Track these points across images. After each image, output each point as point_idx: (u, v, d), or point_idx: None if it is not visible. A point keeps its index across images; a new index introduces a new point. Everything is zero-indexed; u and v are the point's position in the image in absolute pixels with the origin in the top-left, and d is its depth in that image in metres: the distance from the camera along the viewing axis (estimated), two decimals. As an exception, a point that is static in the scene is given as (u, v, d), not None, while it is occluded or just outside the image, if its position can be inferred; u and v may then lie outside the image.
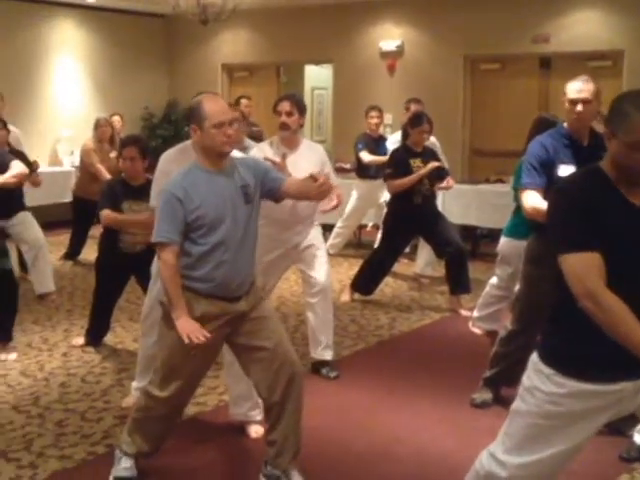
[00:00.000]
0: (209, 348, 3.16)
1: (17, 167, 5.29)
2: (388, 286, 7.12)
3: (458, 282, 6.30)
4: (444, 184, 6.34)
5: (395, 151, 6.52)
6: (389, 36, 10.25)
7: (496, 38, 9.45)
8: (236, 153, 3.60)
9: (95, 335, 5.35)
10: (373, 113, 7.95)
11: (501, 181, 8.19)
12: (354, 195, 8.00)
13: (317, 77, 12.45)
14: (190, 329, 3.02)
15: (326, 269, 4.79)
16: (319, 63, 11.94)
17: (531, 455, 2.41)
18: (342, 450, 3.83)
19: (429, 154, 6.23)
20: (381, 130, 8.20)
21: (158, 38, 12.04)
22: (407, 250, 7.54)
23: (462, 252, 6.23)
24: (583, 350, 2.32)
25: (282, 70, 11.65)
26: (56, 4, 10.64)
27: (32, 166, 6.59)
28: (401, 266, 7.80)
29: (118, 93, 11.17)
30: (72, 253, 8.04)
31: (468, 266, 6.33)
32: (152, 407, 3.33)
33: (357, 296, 6.61)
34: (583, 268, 2.23)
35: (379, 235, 7.32)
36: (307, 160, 4.52)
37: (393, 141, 7.39)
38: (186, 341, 2.99)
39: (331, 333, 4.87)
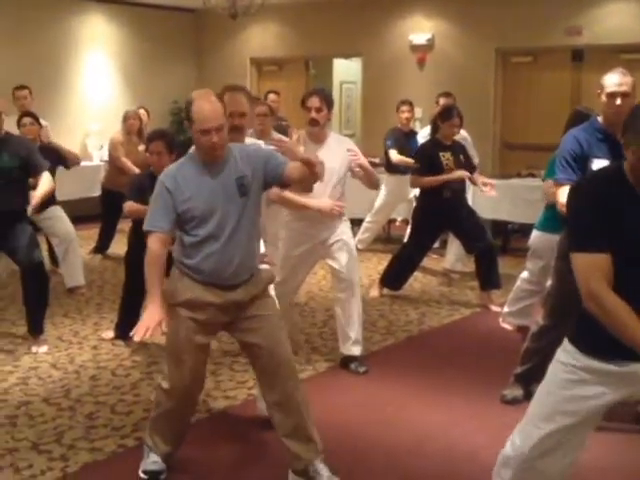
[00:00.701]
0: (205, 336, 3.24)
1: (45, 183, 5.08)
2: (417, 281, 7.07)
3: (488, 278, 6.25)
4: (488, 181, 6.23)
5: (423, 145, 6.49)
6: (419, 29, 10.17)
7: (528, 31, 9.34)
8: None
9: (125, 329, 5.32)
10: (404, 107, 7.90)
11: (532, 175, 8.09)
12: (383, 190, 7.95)
13: (346, 71, 12.39)
14: (147, 322, 3.04)
15: (354, 264, 4.77)
16: (348, 57, 11.88)
17: (539, 429, 2.51)
18: (371, 446, 3.80)
19: (459, 148, 6.19)
20: (412, 124, 8.13)
21: (187, 32, 12.07)
22: (437, 245, 7.50)
23: (492, 248, 6.18)
24: (597, 332, 2.34)
25: (311, 64, 11.62)
26: (87, -1, 10.71)
27: (67, 162, 6.66)
28: (431, 261, 7.75)
29: (147, 87, 11.21)
30: (101, 247, 8.08)
31: (498, 262, 6.27)
32: (161, 402, 3.36)
33: (386, 291, 6.58)
34: (589, 269, 2.28)
35: (409, 230, 7.28)
36: (334, 153, 4.53)
37: (423, 135, 7.36)
38: (132, 333, 3.05)
39: (359, 328, 4.83)
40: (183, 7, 11.57)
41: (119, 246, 8.01)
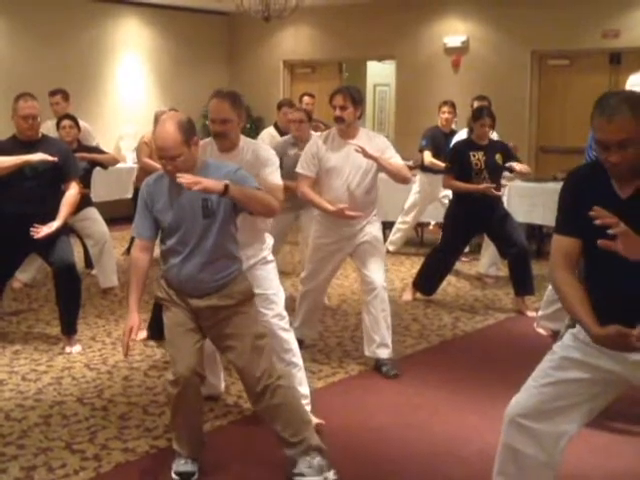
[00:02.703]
0: (191, 321, 3.34)
1: (71, 194, 5.08)
2: (451, 285, 7.01)
3: (522, 283, 6.17)
4: (517, 168, 6.14)
5: (455, 145, 6.43)
6: (454, 32, 10.10)
7: (564, 33, 9.24)
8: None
9: (158, 328, 5.31)
10: (445, 108, 7.84)
11: (555, 179, 7.98)
12: (414, 189, 7.89)
13: (379, 73, 12.36)
14: (124, 329, 3.31)
15: (380, 267, 4.72)
16: (382, 59, 11.85)
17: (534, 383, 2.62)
18: (404, 450, 3.76)
19: (494, 148, 6.08)
20: (453, 126, 7.96)
21: (221, 36, 12.11)
22: (470, 249, 7.43)
23: (526, 253, 6.09)
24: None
25: (344, 67, 11.60)
26: (121, 2, 10.80)
27: (104, 164, 6.75)
28: (465, 265, 7.69)
29: (180, 90, 11.26)
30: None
31: (531, 267, 6.18)
32: (170, 395, 3.36)
33: (419, 295, 6.52)
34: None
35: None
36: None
37: (458, 139, 7.23)
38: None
39: (386, 332, 4.76)
40: (216, 10, 11.61)
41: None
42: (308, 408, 3.83)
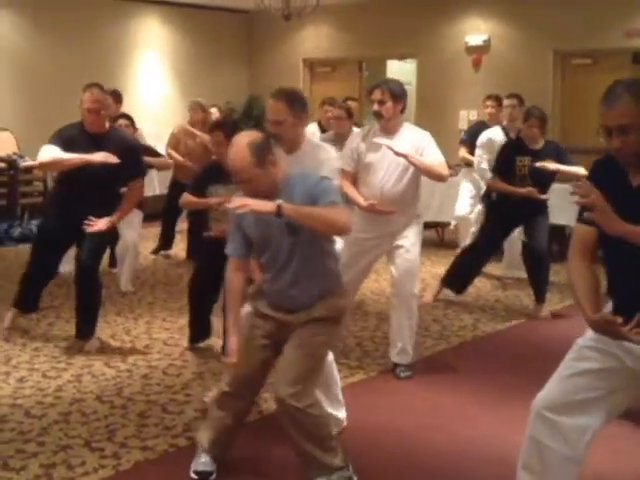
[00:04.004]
0: (266, 339, 3.28)
1: (133, 193, 5.04)
2: (472, 286, 6.91)
3: (534, 289, 6.12)
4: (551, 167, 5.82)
5: (504, 146, 6.34)
6: (475, 30, 10.05)
7: (587, 32, 9.17)
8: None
9: (196, 337, 5.15)
10: (488, 102, 7.69)
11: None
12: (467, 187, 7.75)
13: (400, 72, 12.28)
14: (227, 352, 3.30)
15: (411, 274, 4.63)
16: (402, 58, 11.81)
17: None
18: (425, 451, 3.74)
19: (544, 153, 5.80)
20: (501, 119, 7.59)
21: (241, 34, 12.12)
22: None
23: (540, 261, 5.98)
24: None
25: (364, 65, 11.57)
26: (142, 1, 10.82)
27: (157, 167, 6.92)
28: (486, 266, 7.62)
29: (200, 88, 11.26)
30: (164, 245, 8.06)
31: (546, 275, 6.09)
32: (217, 401, 3.36)
33: (441, 296, 6.47)
34: (574, 238, 2.61)
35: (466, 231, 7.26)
36: (403, 146, 4.46)
37: (488, 135, 7.13)
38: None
39: (408, 339, 4.72)
40: (237, 8, 11.62)
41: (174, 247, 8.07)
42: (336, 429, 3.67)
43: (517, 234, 6.42)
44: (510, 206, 5.93)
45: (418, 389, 4.55)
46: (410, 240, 4.63)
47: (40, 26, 9.88)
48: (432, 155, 4.52)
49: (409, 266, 4.63)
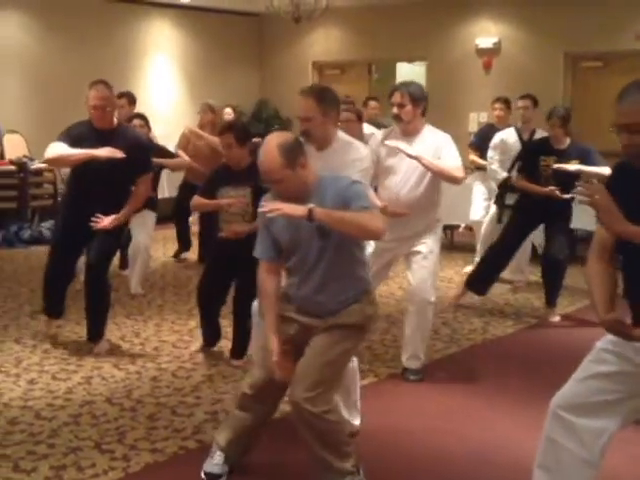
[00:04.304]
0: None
1: (140, 190, 4.99)
2: (481, 289, 6.94)
3: (546, 292, 6.08)
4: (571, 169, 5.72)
5: (530, 145, 6.32)
6: (486, 33, 10.03)
7: (598, 35, 9.13)
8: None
9: (209, 340, 5.13)
10: (496, 105, 7.66)
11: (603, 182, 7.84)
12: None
13: (409, 75, 12.26)
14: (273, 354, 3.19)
15: (427, 282, 4.58)
16: (412, 61, 11.80)
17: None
18: (436, 455, 3.72)
19: (570, 154, 5.75)
20: (510, 120, 7.59)
21: (250, 37, 12.14)
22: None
23: (554, 265, 5.94)
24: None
25: (374, 68, 11.57)
26: (152, 4, 10.86)
27: (172, 169, 6.95)
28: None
29: (210, 91, 11.27)
30: (184, 247, 8.02)
31: (559, 280, 6.05)
32: (238, 402, 3.36)
33: (465, 299, 6.44)
34: (594, 239, 2.65)
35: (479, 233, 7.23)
36: (423, 148, 4.45)
37: (501, 136, 7.09)
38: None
39: (420, 345, 4.70)
40: (247, 12, 11.64)
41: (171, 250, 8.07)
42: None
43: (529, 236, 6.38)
44: (533, 205, 5.89)
45: (428, 392, 4.53)
46: (428, 246, 4.58)
47: (51, 29, 9.92)
48: (448, 157, 4.48)
49: (425, 273, 4.58)
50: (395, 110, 4.47)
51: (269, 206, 2.97)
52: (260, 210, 3.02)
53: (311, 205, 2.94)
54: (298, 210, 2.94)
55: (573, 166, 5.72)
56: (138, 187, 4.98)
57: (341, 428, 3.25)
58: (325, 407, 3.10)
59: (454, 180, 4.54)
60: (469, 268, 7.39)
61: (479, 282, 6.23)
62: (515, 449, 3.75)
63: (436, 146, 4.48)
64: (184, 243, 8.00)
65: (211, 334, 5.08)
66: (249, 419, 3.36)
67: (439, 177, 4.51)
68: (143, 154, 4.99)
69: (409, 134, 4.52)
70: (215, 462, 3.38)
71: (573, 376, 2.68)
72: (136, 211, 5.38)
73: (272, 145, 3.03)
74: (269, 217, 3.06)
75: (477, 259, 7.59)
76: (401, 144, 4.44)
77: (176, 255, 8.03)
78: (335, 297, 3.16)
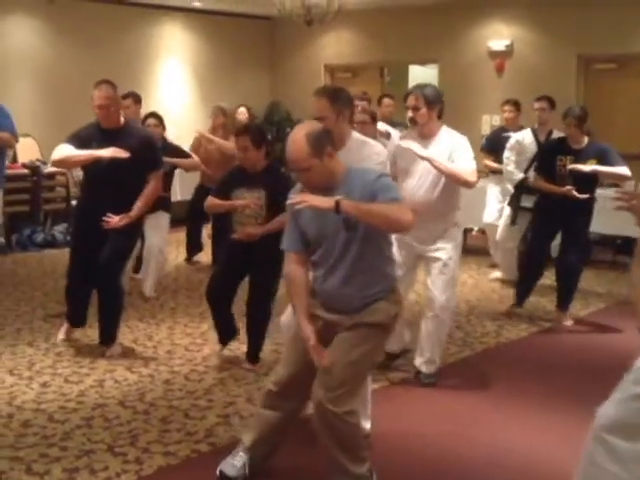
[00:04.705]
0: (297, 349, 3.24)
1: (149, 189, 4.96)
2: (495, 293, 6.93)
3: (558, 296, 6.04)
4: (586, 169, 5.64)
5: (545, 144, 6.33)
6: (498, 35, 10.00)
7: (611, 37, 9.08)
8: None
9: (223, 338, 5.09)
10: (506, 107, 7.64)
11: (616, 185, 7.80)
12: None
13: (421, 77, 12.22)
14: (308, 345, 3.17)
15: (447, 290, 4.55)
16: (424, 63, 11.77)
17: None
18: (447, 458, 3.70)
19: (587, 153, 5.71)
20: (521, 122, 7.57)
21: (262, 40, 12.15)
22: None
23: (569, 270, 5.91)
24: None
25: (386, 71, 11.55)
26: (163, 8, 10.88)
27: (186, 169, 6.97)
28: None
29: (222, 94, 11.28)
30: (193, 249, 8.00)
31: (574, 285, 6.01)
32: (263, 400, 3.35)
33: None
34: (638, 244, 2.57)
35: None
36: (438, 150, 4.44)
37: (517, 137, 7.03)
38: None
39: (436, 349, 4.68)
40: (258, 15, 11.65)
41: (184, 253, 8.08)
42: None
43: None
44: (552, 206, 5.86)
45: (441, 396, 4.51)
46: (448, 253, 4.55)
47: (63, 33, 9.95)
48: (462, 160, 4.45)
49: (445, 280, 4.55)
50: (410, 113, 4.47)
51: (296, 198, 2.99)
52: (288, 202, 3.01)
53: (338, 197, 2.94)
54: (325, 202, 2.94)
55: (588, 167, 5.68)
56: (149, 184, 4.96)
57: (360, 432, 3.24)
58: (347, 408, 3.09)
59: (466, 184, 4.50)
60: (497, 274, 7.35)
61: (521, 295, 6.15)
62: (526, 453, 3.74)
63: (452, 149, 4.46)
64: (194, 245, 7.99)
65: (225, 331, 5.01)
66: (275, 417, 3.34)
67: (451, 179, 4.48)
68: (151, 151, 4.99)
69: (425, 137, 4.51)
70: (234, 463, 3.37)
71: (614, 396, 2.56)
72: (149, 211, 5.38)
73: (300, 134, 3.04)
74: (297, 209, 3.06)
75: (495, 260, 7.60)
76: (414, 145, 4.43)
77: (188, 259, 8.03)
78: (361, 291, 3.12)
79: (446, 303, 4.58)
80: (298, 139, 3.03)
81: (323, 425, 3.11)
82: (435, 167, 4.41)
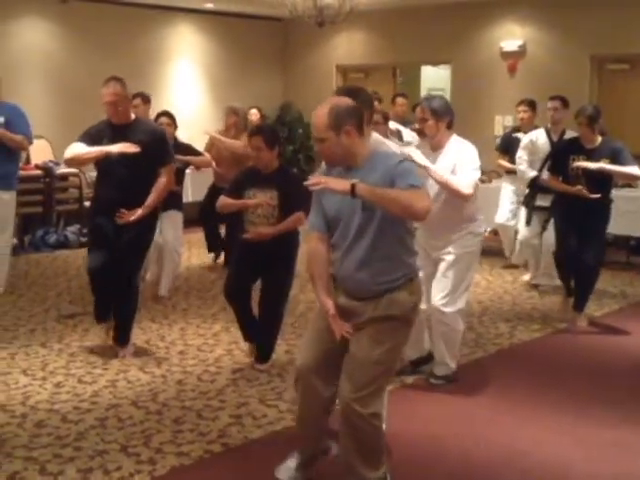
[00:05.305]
0: (322, 323, 3.19)
1: (161, 182, 4.94)
2: (508, 293, 6.90)
3: (577, 297, 5.99)
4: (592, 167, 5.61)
5: (559, 143, 6.32)
6: (511, 36, 9.97)
7: (625, 37, 9.03)
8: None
9: (250, 335, 5.02)
10: (520, 107, 7.59)
11: (629, 186, 7.75)
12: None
13: (434, 78, 12.27)
14: (329, 316, 3.15)
15: (446, 289, 4.50)
16: (436, 64, 11.75)
17: None
18: (460, 460, 3.69)
19: (601, 153, 5.67)
20: (536, 123, 7.50)
21: (274, 41, 12.15)
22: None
23: (587, 272, 5.85)
24: None
25: (398, 71, 11.54)
26: (176, 10, 10.90)
27: (198, 166, 7.03)
28: (521, 273, 7.54)
29: (234, 96, 11.27)
30: (213, 247, 7.94)
31: (590, 287, 5.96)
32: (296, 388, 3.31)
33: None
34: None
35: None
36: (447, 161, 4.44)
37: (530, 137, 6.99)
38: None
39: (444, 351, 4.65)
40: (270, 16, 11.65)
41: (202, 252, 8.08)
42: None
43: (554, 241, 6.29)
44: (568, 206, 5.83)
45: (454, 397, 4.49)
46: (456, 257, 4.50)
47: (75, 35, 9.99)
48: (461, 172, 4.43)
49: (446, 283, 4.52)
50: (417, 125, 4.48)
51: (313, 180, 3.01)
52: (305, 183, 3.03)
53: (354, 180, 2.94)
54: (341, 184, 2.95)
55: (594, 164, 5.64)
56: (161, 177, 4.95)
57: (382, 435, 3.21)
58: (374, 409, 3.07)
59: (459, 195, 4.44)
60: (527, 277, 7.29)
61: (578, 301, 5.99)
62: (540, 455, 3.72)
63: (456, 160, 4.45)
64: (215, 245, 7.91)
65: (250, 327, 4.94)
66: (311, 403, 3.26)
67: (445, 189, 4.44)
68: (161, 145, 4.99)
69: (435, 148, 4.53)
70: (287, 466, 3.38)
71: None
72: (162, 209, 5.37)
73: (327, 105, 3.07)
74: (320, 189, 3.07)
75: (515, 262, 7.58)
76: (414, 151, 4.42)
77: (216, 258, 7.95)
78: (376, 277, 3.09)
79: (440, 301, 4.52)
80: (322, 110, 3.06)
81: (347, 427, 3.09)
82: (431, 176, 4.38)
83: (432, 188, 4.41)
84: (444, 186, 4.42)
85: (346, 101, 3.12)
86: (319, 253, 3.18)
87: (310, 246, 3.21)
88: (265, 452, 3.73)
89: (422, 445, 3.83)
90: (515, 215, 7.44)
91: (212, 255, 7.99)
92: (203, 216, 7.82)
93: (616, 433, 3.99)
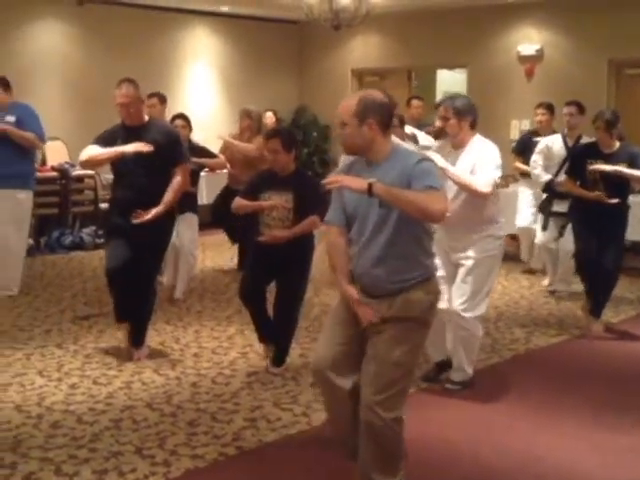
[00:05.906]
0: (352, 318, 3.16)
1: (176, 181, 4.94)
2: (524, 299, 6.85)
3: (592, 302, 5.93)
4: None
5: (577, 147, 6.30)
6: (528, 40, 9.94)
7: (643, 41, 8.97)
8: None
9: (266, 336, 4.99)
10: (538, 110, 7.55)
11: (646, 191, 7.70)
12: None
13: (449, 82, 12.23)
14: (351, 302, 3.18)
15: (466, 294, 4.46)
16: (453, 68, 11.73)
17: None
18: (475, 464, 3.67)
19: (619, 158, 5.62)
20: (554, 127, 7.50)
21: (290, 44, 12.16)
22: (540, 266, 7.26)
23: (605, 278, 5.79)
24: None
25: (414, 75, 11.53)
26: (191, 12, 10.93)
27: (213, 168, 7.10)
28: (537, 278, 7.50)
29: (249, 98, 11.28)
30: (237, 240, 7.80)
31: (609, 293, 5.91)
32: (318, 385, 3.34)
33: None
34: None
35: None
36: (468, 161, 4.41)
37: (546, 142, 6.98)
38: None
39: (465, 358, 4.61)
40: (286, 19, 11.66)
41: (216, 254, 8.10)
42: None
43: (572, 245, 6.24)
44: (585, 212, 5.79)
45: (470, 403, 4.46)
46: (476, 262, 4.46)
47: (90, 37, 10.03)
48: (480, 171, 4.40)
49: (466, 289, 4.49)
50: (439, 123, 4.47)
51: (331, 178, 3.02)
52: (323, 181, 3.04)
53: (372, 180, 2.93)
54: (358, 183, 2.94)
55: (611, 167, 5.59)
56: (175, 177, 4.95)
57: (402, 441, 3.18)
58: (395, 414, 3.05)
59: (477, 194, 4.40)
60: (545, 282, 7.25)
61: (595, 307, 5.93)
62: (556, 460, 3.69)
63: (476, 159, 4.42)
64: (233, 236, 7.80)
65: (265, 329, 4.92)
66: (334, 399, 3.23)
67: (463, 189, 4.41)
68: (175, 144, 4.99)
69: (457, 147, 4.50)
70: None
71: None
72: (179, 210, 5.38)
73: (360, 94, 3.11)
74: (337, 188, 3.09)
75: (534, 266, 7.53)
76: (432, 154, 4.38)
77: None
78: (392, 275, 3.06)
79: (460, 306, 4.48)
80: (354, 96, 3.10)
81: (368, 431, 3.07)
82: (449, 177, 4.35)
83: (451, 188, 4.39)
84: (462, 187, 4.40)
85: (380, 96, 3.10)
86: (339, 245, 3.18)
87: (330, 239, 3.22)
88: (279, 455, 3.72)
89: (437, 449, 3.81)
90: (536, 219, 7.39)
91: (234, 247, 7.80)
92: (215, 216, 7.79)
93: (632, 439, 3.96)
